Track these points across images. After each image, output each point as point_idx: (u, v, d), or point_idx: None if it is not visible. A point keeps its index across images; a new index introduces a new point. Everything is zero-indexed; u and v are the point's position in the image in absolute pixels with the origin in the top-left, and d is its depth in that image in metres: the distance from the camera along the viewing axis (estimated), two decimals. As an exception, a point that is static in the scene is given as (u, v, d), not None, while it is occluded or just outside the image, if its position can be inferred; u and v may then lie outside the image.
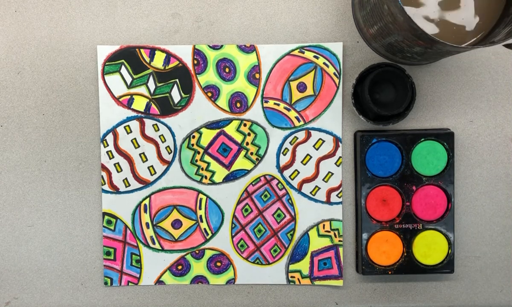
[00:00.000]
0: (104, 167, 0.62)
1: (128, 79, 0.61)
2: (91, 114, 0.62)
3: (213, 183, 0.62)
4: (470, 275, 0.63)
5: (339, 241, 0.62)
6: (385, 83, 0.60)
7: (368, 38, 0.60)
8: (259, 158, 0.62)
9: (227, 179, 0.62)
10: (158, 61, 0.61)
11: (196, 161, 0.62)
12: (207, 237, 0.63)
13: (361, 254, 0.61)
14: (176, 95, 0.62)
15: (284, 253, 0.63)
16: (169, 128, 0.62)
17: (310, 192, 0.62)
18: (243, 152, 0.62)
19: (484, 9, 0.53)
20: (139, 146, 0.62)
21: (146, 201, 0.62)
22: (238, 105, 0.62)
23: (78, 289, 0.63)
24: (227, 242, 0.63)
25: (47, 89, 0.62)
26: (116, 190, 0.62)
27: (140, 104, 0.62)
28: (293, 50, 0.61)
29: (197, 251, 0.63)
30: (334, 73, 0.61)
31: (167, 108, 0.62)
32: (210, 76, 0.61)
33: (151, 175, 0.62)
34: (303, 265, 0.63)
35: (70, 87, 0.62)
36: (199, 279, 0.63)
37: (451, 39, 0.52)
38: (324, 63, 0.61)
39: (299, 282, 0.63)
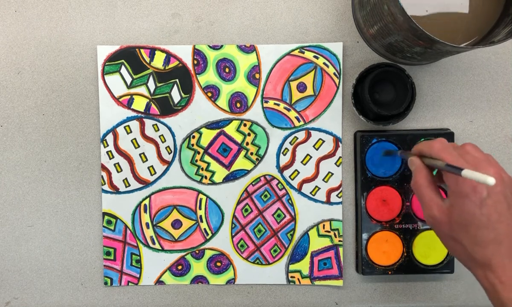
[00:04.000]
0: (104, 167, 0.62)
1: (128, 79, 0.61)
2: (91, 114, 0.62)
3: (213, 183, 0.62)
4: (470, 275, 0.62)
5: (339, 241, 0.62)
6: (385, 83, 0.60)
7: (368, 38, 0.60)
8: (259, 158, 0.62)
9: (227, 179, 0.62)
10: (158, 61, 0.61)
11: (196, 161, 0.62)
12: (207, 237, 0.63)
13: (361, 254, 0.61)
14: (176, 95, 0.62)
15: (284, 253, 0.63)
16: (169, 128, 0.62)
17: (310, 192, 0.62)
18: (243, 152, 0.62)
19: (483, 9, 0.53)
20: (139, 146, 0.62)
21: (146, 201, 0.62)
22: (238, 105, 0.62)
23: (78, 289, 0.63)
24: (227, 242, 0.63)
25: (47, 89, 0.62)
26: (116, 190, 0.62)
27: (140, 104, 0.62)
28: (293, 50, 0.61)
29: (197, 251, 0.63)
30: (334, 73, 0.61)
31: (167, 108, 0.62)
32: (210, 76, 0.61)
33: (151, 175, 0.62)
34: (303, 265, 0.62)
35: (70, 87, 0.62)
36: (199, 279, 0.63)
37: (450, 39, 0.52)
38: (324, 63, 0.61)
39: (299, 282, 0.63)
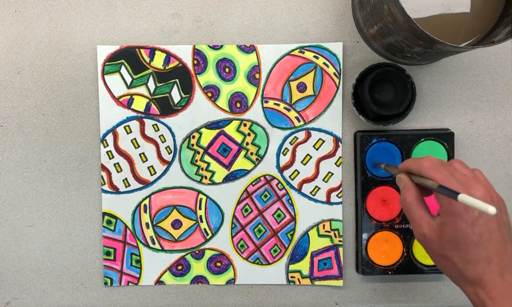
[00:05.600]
0: (104, 167, 0.62)
1: (128, 79, 0.61)
2: (91, 114, 0.62)
3: (213, 183, 0.62)
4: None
5: (339, 241, 0.62)
6: (385, 83, 0.60)
7: (368, 38, 0.60)
8: (259, 158, 0.62)
9: (227, 179, 0.62)
10: (158, 61, 0.61)
11: (196, 161, 0.62)
12: (207, 237, 0.63)
13: (361, 254, 0.61)
14: (176, 95, 0.62)
15: (284, 253, 0.63)
16: (169, 128, 0.62)
17: (310, 192, 0.62)
18: (243, 152, 0.62)
19: (483, 9, 0.53)
20: (139, 146, 0.62)
21: (146, 201, 0.62)
22: (238, 105, 0.62)
23: (78, 289, 0.63)
24: (227, 242, 0.63)
25: (47, 89, 0.62)
26: (116, 190, 0.62)
27: (140, 104, 0.62)
28: (293, 50, 0.61)
29: (197, 251, 0.63)
30: (334, 73, 0.61)
31: (167, 108, 0.62)
32: (210, 76, 0.61)
33: (151, 175, 0.62)
34: (303, 265, 0.62)
35: (70, 87, 0.62)
36: (199, 279, 0.63)
37: (450, 39, 0.52)
38: (324, 63, 0.61)
39: (299, 282, 0.63)
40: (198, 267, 0.63)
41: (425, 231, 0.46)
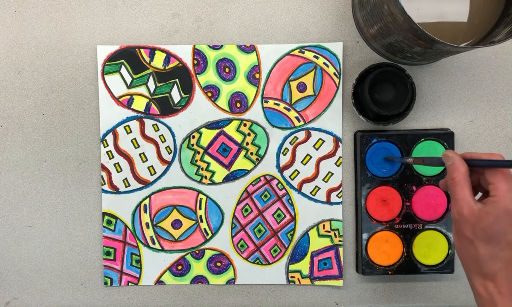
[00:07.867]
0: (104, 167, 0.62)
1: (128, 79, 0.61)
2: (91, 114, 0.62)
3: (213, 183, 0.62)
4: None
5: (339, 241, 0.62)
6: (385, 83, 0.60)
7: (368, 38, 0.60)
8: (259, 158, 0.62)
9: (227, 179, 0.62)
10: (158, 61, 0.61)
11: (196, 161, 0.62)
12: (207, 237, 0.63)
13: (361, 254, 0.61)
14: (176, 95, 0.62)
15: (284, 253, 0.63)
16: (169, 128, 0.62)
17: (310, 192, 0.62)
18: (243, 152, 0.62)
19: (483, 9, 0.53)
20: (139, 146, 0.62)
21: (146, 201, 0.62)
22: (238, 105, 0.62)
23: (78, 289, 0.63)
24: (227, 242, 0.63)
25: (47, 89, 0.62)
26: (116, 190, 0.62)
27: (140, 104, 0.62)
28: (293, 50, 0.61)
29: (197, 251, 0.63)
30: (334, 73, 0.61)
31: (167, 108, 0.62)
32: (210, 76, 0.61)
33: (151, 175, 0.62)
34: (303, 265, 0.62)
35: (70, 87, 0.62)
36: (199, 279, 0.63)
37: (450, 39, 0.52)
38: (324, 63, 0.61)
39: (299, 282, 0.63)
40: (198, 267, 0.63)
41: (465, 212, 0.45)
